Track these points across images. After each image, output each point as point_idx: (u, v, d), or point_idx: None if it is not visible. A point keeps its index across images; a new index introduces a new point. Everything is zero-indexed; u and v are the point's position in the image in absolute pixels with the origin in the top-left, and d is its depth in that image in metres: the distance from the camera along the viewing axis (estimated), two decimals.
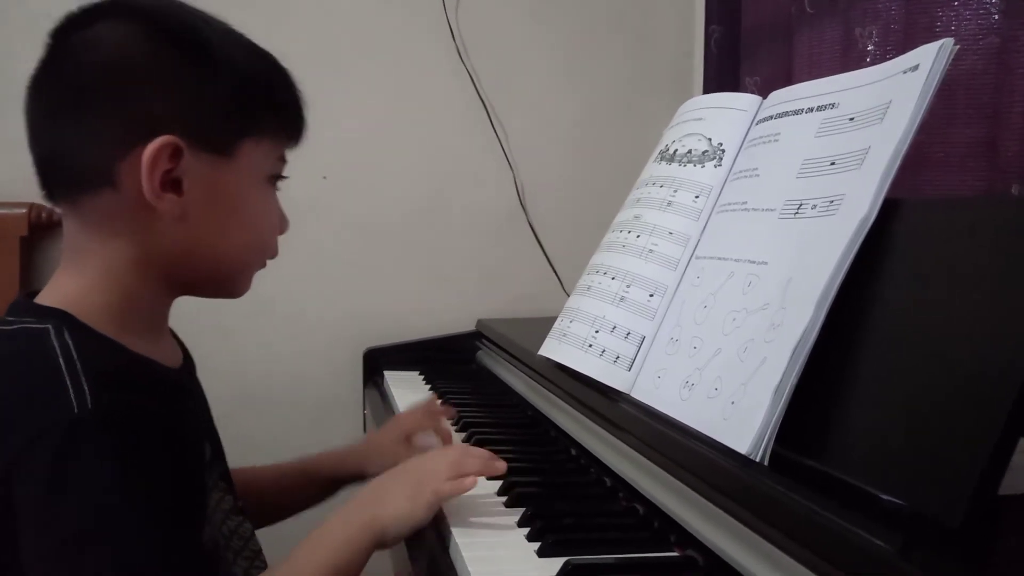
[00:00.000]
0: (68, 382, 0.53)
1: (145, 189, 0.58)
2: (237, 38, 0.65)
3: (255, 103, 0.64)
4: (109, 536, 0.51)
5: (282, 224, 0.70)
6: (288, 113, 0.67)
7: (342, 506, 0.66)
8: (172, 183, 0.60)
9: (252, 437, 1.43)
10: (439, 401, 1.01)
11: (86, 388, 0.53)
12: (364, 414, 1.34)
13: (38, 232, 1.32)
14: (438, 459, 0.69)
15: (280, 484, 0.87)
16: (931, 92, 0.59)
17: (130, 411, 0.55)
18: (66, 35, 0.62)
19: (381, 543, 0.63)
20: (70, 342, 0.56)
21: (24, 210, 1.29)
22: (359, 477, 0.88)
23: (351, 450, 0.90)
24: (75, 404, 0.52)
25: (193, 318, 0.78)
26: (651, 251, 0.81)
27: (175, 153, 0.59)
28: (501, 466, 0.71)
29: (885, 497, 0.47)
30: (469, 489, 0.66)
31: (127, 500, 0.51)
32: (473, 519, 0.67)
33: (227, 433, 0.76)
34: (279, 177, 0.68)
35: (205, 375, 0.76)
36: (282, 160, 0.68)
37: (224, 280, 0.67)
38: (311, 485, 0.88)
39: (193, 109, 0.60)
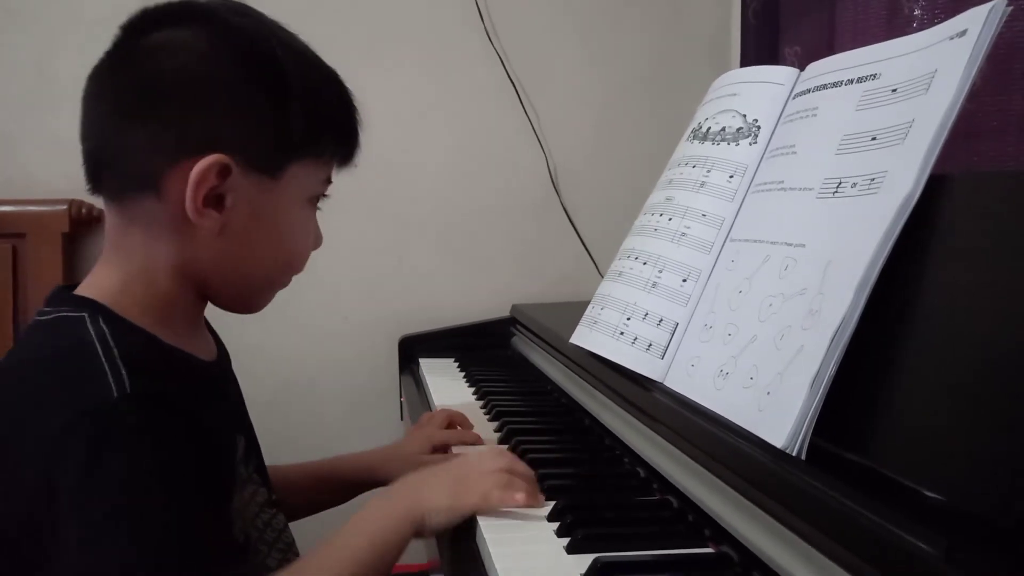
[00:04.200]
0: (106, 367, 0.54)
1: (188, 204, 0.59)
2: (308, 59, 0.65)
3: (315, 130, 0.64)
4: (139, 515, 0.51)
5: (316, 241, 0.69)
6: (344, 139, 0.67)
7: (381, 493, 0.66)
8: (215, 199, 0.60)
9: (293, 427, 1.45)
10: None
11: (124, 373, 0.54)
12: (401, 402, 1.34)
13: (79, 228, 1.35)
14: (488, 463, 0.68)
15: (302, 485, 0.86)
16: (980, 59, 0.54)
17: (163, 397, 0.55)
18: (141, 33, 0.61)
19: (419, 532, 0.63)
20: (105, 329, 0.57)
21: (65, 207, 1.31)
22: (380, 483, 0.87)
23: (374, 455, 0.89)
24: (113, 388, 0.53)
25: None
26: (684, 234, 0.78)
27: (223, 171, 0.59)
28: (540, 499, 0.68)
29: (930, 494, 0.44)
30: (520, 505, 0.64)
31: (160, 481, 0.52)
32: (503, 512, 0.65)
33: (268, 423, 0.76)
34: (321, 196, 0.68)
35: (246, 367, 0.76)
36: (328, 181, 0.68)
37: (248, 294, 0.67)
38: (332, 487, 0.88)
39: (253, 131, 0.60)
